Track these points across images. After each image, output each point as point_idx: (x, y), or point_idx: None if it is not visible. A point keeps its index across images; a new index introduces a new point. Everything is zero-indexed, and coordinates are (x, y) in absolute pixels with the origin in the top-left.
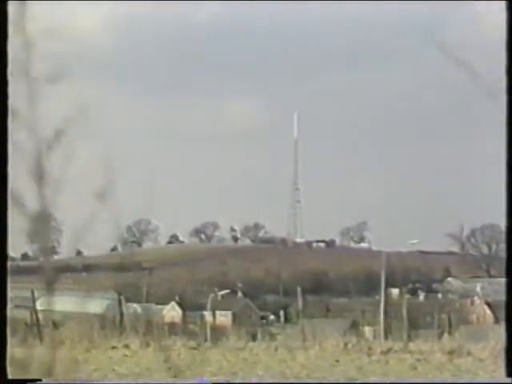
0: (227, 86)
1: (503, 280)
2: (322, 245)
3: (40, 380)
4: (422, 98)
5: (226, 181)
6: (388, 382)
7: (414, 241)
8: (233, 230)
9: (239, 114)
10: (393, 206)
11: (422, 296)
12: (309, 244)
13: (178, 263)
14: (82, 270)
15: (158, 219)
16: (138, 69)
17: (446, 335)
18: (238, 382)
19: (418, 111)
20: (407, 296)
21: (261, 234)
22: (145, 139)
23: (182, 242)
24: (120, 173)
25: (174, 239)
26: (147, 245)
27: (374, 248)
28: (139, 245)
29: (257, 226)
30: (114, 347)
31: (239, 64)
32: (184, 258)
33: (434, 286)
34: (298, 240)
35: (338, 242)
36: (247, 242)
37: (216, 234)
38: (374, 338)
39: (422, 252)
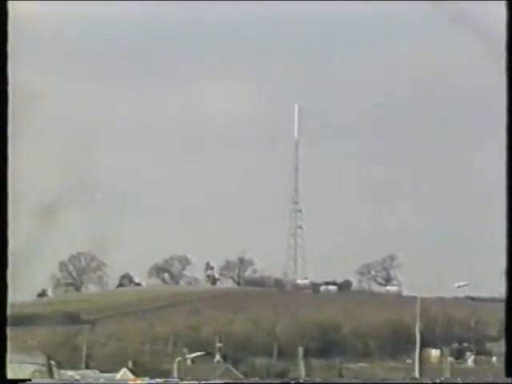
0: (204, 69)
1: None
2: (334, 288)
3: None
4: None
5: (199, 198)
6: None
7: (462, 283)
8: (209, 267)
9: (220, 104)
10: (430, 233)
11: (470, 359)
12: (315, 287)
13: (131, 314)
14: None
15: (104, 253)
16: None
17: None
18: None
19: (447, 101)
20: (451, 359)
21: (248, 272)
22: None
23: (137, 284)
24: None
25: (126, 280)
26: (89, 288)
27: (406, 292)
28: (77, 288)
29: (242, 262)
30: None
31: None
32: (140, 307)
33: (488, 345)
34: (300, 281)
35: (354, 284)
36: (229, 283)
37: (186, 273)
38: None
39: (471, 298)
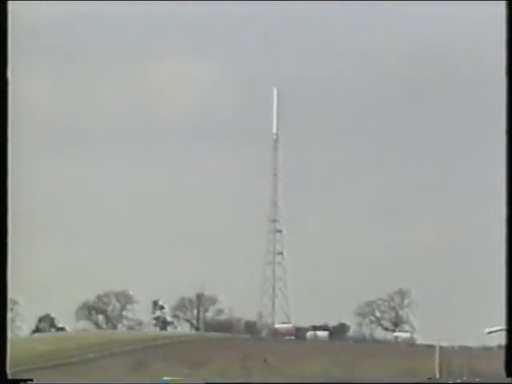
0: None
1: None
2: (324, 334)
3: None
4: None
5: (146, 212)
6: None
7: (494, 328)
8: (158, 306)
9: (177, 88)
10: (452, 260)
11: None
12: (299, 332)
13: (52, 368)
14: None
15: (15, 288)
16: None
17: None
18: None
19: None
20: None
21: (210, 313)
22: None
23: (60, 328)
24: None
25: (45, 324)
26: None
27: (420, 340)
28: None
29: (203, 300)
30: None
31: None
32: (65, 359)
33: None
34: (280, 325)
35: (352, 328)
36: (185, 328)
37: (126, 313)
38: None
39: None
